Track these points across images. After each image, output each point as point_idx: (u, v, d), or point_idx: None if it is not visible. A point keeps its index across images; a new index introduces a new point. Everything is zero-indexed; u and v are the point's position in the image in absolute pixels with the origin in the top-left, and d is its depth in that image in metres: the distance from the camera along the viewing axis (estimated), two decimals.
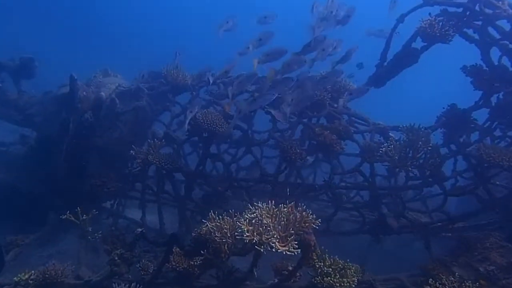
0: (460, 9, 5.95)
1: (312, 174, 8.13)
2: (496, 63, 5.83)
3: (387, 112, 10.48)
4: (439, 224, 5.80)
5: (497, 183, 5.64)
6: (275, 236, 3.80)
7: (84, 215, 5.67)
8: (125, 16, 33.01)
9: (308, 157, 6.29)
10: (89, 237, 5.81)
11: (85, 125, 6.70)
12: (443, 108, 6.21)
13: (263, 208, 4.11)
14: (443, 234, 6.05)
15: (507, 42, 5.63)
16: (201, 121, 6.12)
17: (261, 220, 3.95)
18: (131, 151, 6.42)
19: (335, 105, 6.80)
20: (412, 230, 5.90)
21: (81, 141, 6.63)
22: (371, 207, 6.19)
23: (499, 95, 5.68)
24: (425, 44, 6.15)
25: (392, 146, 5.55)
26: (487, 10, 5.66)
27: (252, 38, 6.11)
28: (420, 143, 5.47)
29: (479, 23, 5.84)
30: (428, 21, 5.81)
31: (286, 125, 6.59)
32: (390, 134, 6.37)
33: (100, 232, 5.74)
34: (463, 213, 5.72)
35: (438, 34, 5.70)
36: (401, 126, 6.03)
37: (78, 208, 5.57)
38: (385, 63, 6.67)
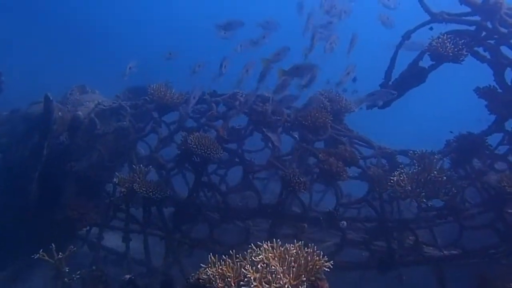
0: (472, 27, 5.61)
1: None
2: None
3: (383, 131, 10.13)
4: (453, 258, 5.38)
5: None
6: (286, 286, 3.29)
7: (60, 253, 4.97)
8: (107, 17, 30.97)
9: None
10: (65, 279, 5.11)
11: (61, 149, 5.97)
12: (451, 132, 5.85)
13: (269, 250, 3.57)
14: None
15: None
16: (194, 146, 5.51)
17: (268, 264, 3.43)
18: (114, 179, 5.74)
19: (338, 127, 6.34)
20: (425, 263, 5.47)
21: (55, 167, 5.90)
22: (379, 239, 5.73)
23: None
24: (433, 63, 5.78)
25: (405, 176, 5.11)
26: (502, 29, 5.31)
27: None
28: (435, 172, 5.05)
29: (492, 42, 5.50)
30: (440, 39, 5.42)
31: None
32: (397, 159, 5.96)
33: (78, 272, 5.06)
34: (480, 247, 5.31)
35: (451, 54, 5.31)
36: (411, 152, 5.62)
37: (53, 244, 4.88)
38: (390, 82, 6.24)
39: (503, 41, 5.35)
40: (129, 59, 6.26)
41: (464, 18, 5.61)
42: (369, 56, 6.54)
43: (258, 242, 3.57)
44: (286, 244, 3.56)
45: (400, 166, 5.43)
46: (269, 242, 3.61)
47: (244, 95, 6.66)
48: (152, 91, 6.28)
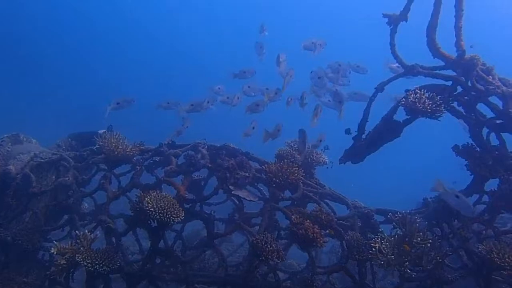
0: (447, 82, 5.42)
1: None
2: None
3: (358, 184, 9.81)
4: None
5: None
6: None
7: None
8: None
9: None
10: None
11: None
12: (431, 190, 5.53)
13: None
14: None
15: (502, 121, 5.13)
16: (150, 208, 4.73)
17: None
18: (51, 248, 4.80)
19: (309, 182, 5.84)
20: None
21: None
22: None
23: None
24: (409, 117, 5.51)
25: (387, 243, 4.65)
26: (479, 86, 5.14)
27: None
28: (419, 238, 4.64)
29: (468, 98, 5.32)
30: (417, 94, 5.15)
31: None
32: (374, 219, 5.52)
33: None
34: None
35: (429, 111, 5.04)
36: (390, 214, 5.20)
37: None
38: (364, 136, 5.89)
39: (481, 98, 5.18)
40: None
41: (438, 72, 5.43)
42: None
43: None
44: None
45: (380, 230, 4.98)
46: None
47: (206, 146, 6.05)
48: (101, 143, 5.47)
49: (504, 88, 5.05)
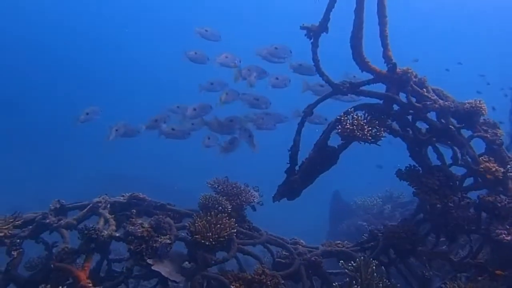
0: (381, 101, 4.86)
1: None
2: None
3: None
4: None
5: None
6: None
7: None
8: None
9: None
10: None
11: None
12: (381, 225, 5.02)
13: None
14: None
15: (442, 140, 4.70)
16: None
17: None
18: None
19: (242, 230, 4.93)
20: None
21: None
22: None
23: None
24: (344, 142, 4.86)
25: None
26: (416, 104, 4.64)
27: None
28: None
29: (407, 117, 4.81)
30: (354, 120, 4.50)
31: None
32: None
33: None
34: None
35: (370, 138, 4.41)
36: (341, 262, 4.50)
37: None
38: (297, 167, 5.13)
39: (419, 116, 4.68)
40: None
41: (372, 91, 4.84)
42: None
43: None
44: None
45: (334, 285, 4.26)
46: None
47: (109, 205, 4.81)
48: None
49: (441, 101, 4.60)
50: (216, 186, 5.23)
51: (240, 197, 5.22)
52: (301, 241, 5.36)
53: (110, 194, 5.02)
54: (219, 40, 6.35)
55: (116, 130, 6.07)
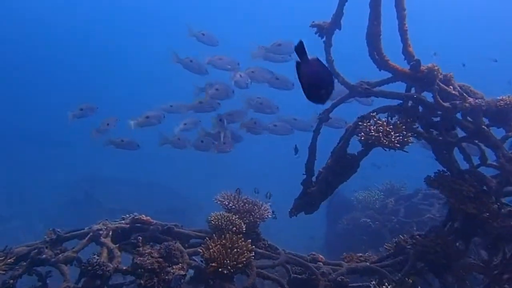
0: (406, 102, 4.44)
1: None
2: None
3: None
4: None
5: None
6: None
7: None
8: None
9: None
10: None
11: None
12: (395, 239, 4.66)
13: None
14: None
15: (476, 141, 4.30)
16: None
17: None
18: None
19: (258, 250, 4.49)
20: None
21: None
22: None
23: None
24: (364, 149, 4.44)
25: None
26: (445, 104, 4.22)
27: None
28: None
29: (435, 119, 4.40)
30: (378, 125, 4.08)
31: None
32: None
33: None
34: None
35: (398, 145, 4.00)
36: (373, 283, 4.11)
37: None
38: (314, 178, 4.71)
39: (448, 117, 4.27)
40: None
41: (396, 92, 4.41)
42: None
43: None
44: None
45: None
46: None
47: (110, 232, 4.35)
48: None
49: (471, 99, 4.20)
50: (227, 203, 4.77)
51: (253, 213, 4.77)
52: (320, 256, 4.96)
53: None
54: (217, 45, 5.93)
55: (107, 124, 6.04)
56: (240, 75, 5.51)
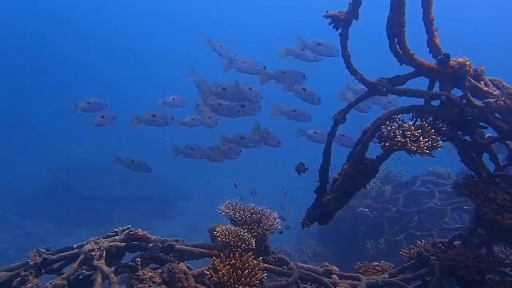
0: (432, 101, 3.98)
1: None
2: None
3: None
4: None
5: None
6: None
7: None
8: None
9: None
10: None
11: None
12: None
13: None
14: None
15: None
16: None
17: None
18: None
19: (269, 266, 4.06)
20: None
21: None
22: None
23: None
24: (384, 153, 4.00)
25: None
26: (477, 102, 3.78)
27: None
28: None
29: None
30: (404, 128, 3.62)
31: None
32: None
33: None
34: None
35: (427, 151, 3.56)
36: None
37: None
38: (328, 186, 4.26)
39: (481, 117, 3.84)
40: None
41: (421, 90, 3.95)
42: None
43: None
44: None
45: None
46: None
47: (104, 252, 3.86)
48: None
49: (505, 97, 3.76)
50: (232, 214, 4.31)
51: (261, 224, 4.32)
52: (334, 267, 4.57)
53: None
54: (234, 59, 5.71)
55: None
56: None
